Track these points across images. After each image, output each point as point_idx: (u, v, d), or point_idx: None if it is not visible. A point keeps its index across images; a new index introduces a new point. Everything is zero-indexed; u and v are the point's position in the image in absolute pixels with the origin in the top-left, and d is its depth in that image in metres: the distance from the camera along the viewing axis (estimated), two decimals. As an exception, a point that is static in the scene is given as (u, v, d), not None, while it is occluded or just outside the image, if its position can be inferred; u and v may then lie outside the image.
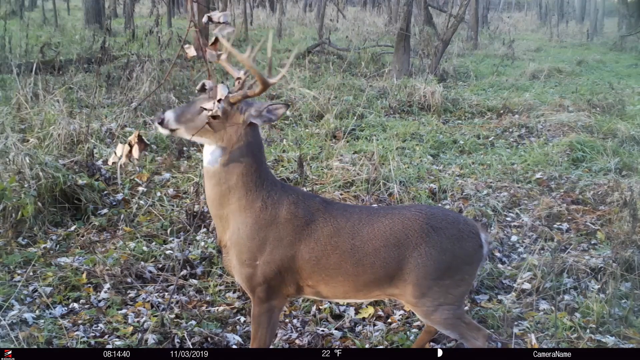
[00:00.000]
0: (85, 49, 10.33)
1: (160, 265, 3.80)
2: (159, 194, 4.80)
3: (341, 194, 4.97)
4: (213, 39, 2.39)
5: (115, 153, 2.47)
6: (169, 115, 2.49)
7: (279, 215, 2.48)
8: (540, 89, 10.31)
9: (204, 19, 2.41)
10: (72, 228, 4.24)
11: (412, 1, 10.85)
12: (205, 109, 2.42)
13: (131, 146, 2.43)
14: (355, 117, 7.18)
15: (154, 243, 4.08)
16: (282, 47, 13.71)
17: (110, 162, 2.54)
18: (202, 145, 2.59)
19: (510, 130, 7.56)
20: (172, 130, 2.50)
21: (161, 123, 2.48)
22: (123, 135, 5.89)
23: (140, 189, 4.86)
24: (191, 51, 2.51)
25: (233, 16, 17.52)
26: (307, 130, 6.91)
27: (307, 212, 2.50)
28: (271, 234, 2.47)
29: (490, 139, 7.14)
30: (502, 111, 8.47)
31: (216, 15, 2.40)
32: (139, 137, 2.43)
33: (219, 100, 2.39)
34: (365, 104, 8.04)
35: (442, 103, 8.47)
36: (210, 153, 2.50)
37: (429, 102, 8.45)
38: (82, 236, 4.14)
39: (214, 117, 2.40)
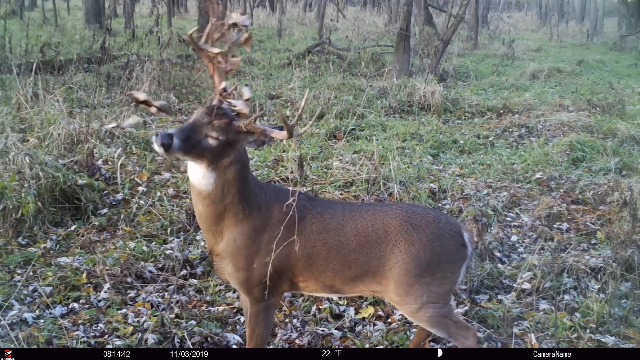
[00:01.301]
0: (85, 49, 10.33)
1: (160, 265, 3.80)
2: (159, 194, 4.80)
3: (341, 194, 4.97)
4: (244, 37, 2.34)
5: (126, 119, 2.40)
6: (175, 140, 2.25)
7: (272, 216, 2.50)
8: (540, 89, 10.31)
9: (230, 20, 2.34)
10: (72, 228, 4.24)
11: (412, 1, 10.84)
12: (209, 135, 2.31)
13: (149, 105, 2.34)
14: (355, 117, 7.17)
15: (154, 243, 4.08)
16: (282, 47, 13.71)
17: (124, 126, 2.45)
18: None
19: (510, 130, 7.56)
20: (168, 153, 2.29)
21: (167, 149, 2.24)
22: (123, 135, 5.89)
23: (140, 188, 4.86)
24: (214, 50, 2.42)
25: (233, 16, 17.48)
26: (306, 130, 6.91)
27: (296, 210, 2.52)
28: (266, 235, 2.49)
29: (490, 139, 7.14)
30: (502, 111, 8.46)
31: (239, 18, 2.33)
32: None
33: (247, 100, 2.36)
34: (365, 103, 8.03)
35: (442, 103, 8.46)
36: (202, 175, 2.38)
37: (429, 102, 8.44)
38: (82, 236, 4.14)
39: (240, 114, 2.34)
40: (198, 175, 2.40)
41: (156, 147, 2.24)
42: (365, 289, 2.61)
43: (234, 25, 2.33)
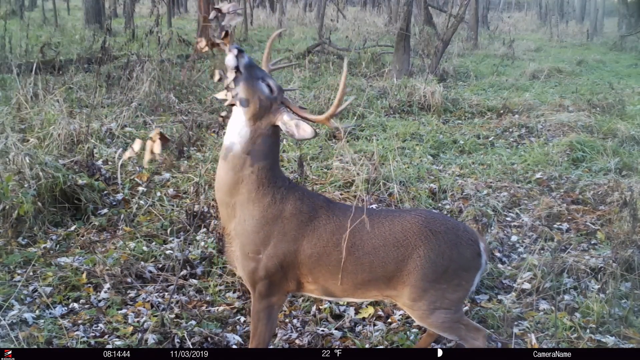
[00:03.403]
0: (85, 49, 10.32)
1: (160, 265, 3.79)
2: (159, 194, 4.80)
3: (341, 194, 4.97)
4: (223, 33, 2.41)
5: (132, 148, 2.47)
6: (247, 59, 2.44)
7: (285, 210, 2.51)
8: (540, 89, 10.32)
9: (212, 15, 2.41)
10: (72, 228, 4.24)
11: (412, 1, 10.84)
12: (265, 81, 2.46)
13: (153, 142, 2.43)
14: (356, 117, 7.17)
15: (154, 243, 4.08)
16: (282, 47, 13.71)
17: (126, 157, 2.53)
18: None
19: (510, 130, 7.56)
20: (236, 69, 2.42)
21: (240, 54, 2.40)
22: (123, 135, 5.89)
23: (140, 189, 4.86)
24: (202, 44, 2.49)
25: (233, 16, 17.48)
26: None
27: (311, 209, 2.54)
28: (276, 228, 2.50)
29: (490, 139, 7.14)
30: (502, 111, 8.46)
31: (225, 6, 2.41)
32: (161, 134, 2.43)
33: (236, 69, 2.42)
34: (366, 104, 8.03)
35: (442, 103, 8.46)
36: (236, 132, 2.48)
37: (429, 102, 8.44)
38: (82, 236, 4.14)
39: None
40: (233, 130, 2.49)
41: (231, 53, 2.40)
42: (378, 294, 2.61)
43: (220, 12, 2.40)
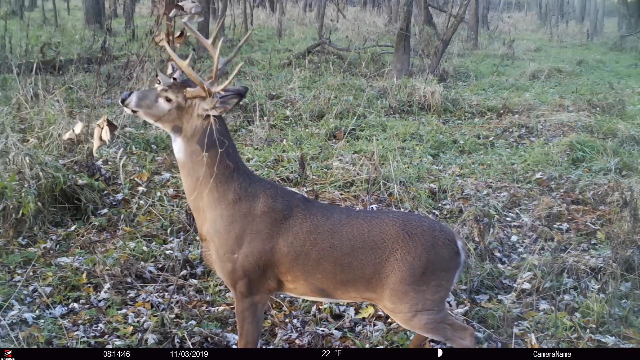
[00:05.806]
0: (85, 49, 10.33)
1: (160, 265, 3.80)
2: (159, 194, 4.80)
3: (341, 194, 4.97)
4: (179, 32, 2.45)
5: (73, 130, 2.51)
6: (133, 96, 2.53)
7: (255, 207, 2.51)
8: (540, 89, 10.31)
9: (172, 13, 2.45)
10: (72, 228, 4.24)
11: (412, 1, 10.84)
12: (161, 96, 2.52)
13: (101, 129, 2.46)
14: (356, 117, 7.18)
15: (154, 243, 4.08)
16: (282, 47, 13.71)
17: (65, 137, 2.58)
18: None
19: (510, 130, 7.56)
20: (133, 111, 2.55)
21: (123, 102, 2.53)
22: (123, 135, 5.89)
23: (140, 189, 4.86)
24: (159, 37, 2.55)
25: (233, 16, 17.53)
26: (307, 130, 6.92)
27: (285, 207, 2.53)
28: (248, 226, 2.49)
29: (490, 139, 7.14)
30: (502, 111, 8.46)
31: (187, 5, 2.45)
32: (108, 121, 2.47)
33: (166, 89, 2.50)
34: (366, 104, 8.04)
35: (442, 103, 8.46)
36: (176, 144, 2.55)
37: (429, 102, 8.44)
38: (82, 236, 4.14)
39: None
40: (174, 142, 2.57)
41: (121, 104, 2.55)
42: (357, 295, 2.60)
43: (182, 10, 2.45)
